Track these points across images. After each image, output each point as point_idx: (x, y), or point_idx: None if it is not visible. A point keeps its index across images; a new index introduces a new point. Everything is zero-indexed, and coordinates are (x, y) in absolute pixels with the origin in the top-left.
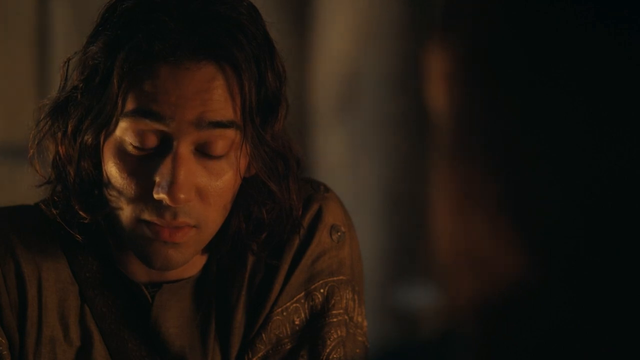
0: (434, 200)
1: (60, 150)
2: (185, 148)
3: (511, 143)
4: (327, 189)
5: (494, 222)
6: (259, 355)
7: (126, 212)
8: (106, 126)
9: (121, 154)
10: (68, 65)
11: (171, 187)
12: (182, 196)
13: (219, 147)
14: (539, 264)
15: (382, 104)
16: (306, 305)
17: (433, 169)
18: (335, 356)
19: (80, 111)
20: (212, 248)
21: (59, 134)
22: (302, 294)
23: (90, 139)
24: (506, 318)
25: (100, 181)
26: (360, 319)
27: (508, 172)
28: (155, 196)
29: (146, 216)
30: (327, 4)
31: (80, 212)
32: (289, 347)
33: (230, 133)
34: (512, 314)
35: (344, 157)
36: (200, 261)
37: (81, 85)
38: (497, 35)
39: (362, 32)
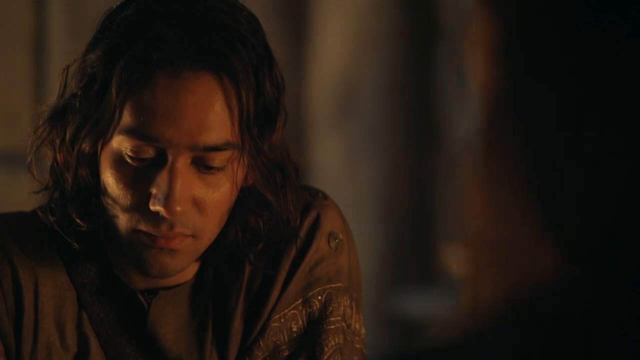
0: (464, 186)
1: (58, 157)
2: (182, 161)
3: (550, 127)
4: (325, 196)
5: (526, 211)
6: None
7: (122, 221)
8: (103, 135)
9: (118, 163)
10: (67, 73)
11: (167, 200)
12: (178, 209)
13: (217, 160)
14: (572, 261)
15: (379, 111)
16: (304, 312)
17: (466, 148)
18: None
19: (78, 119)
20: (207, 255)
21: (57, 141)
22: (300, 300)
23: (87, 147)
24: (533, 318)
25: (97, 189)
26: (358, 326)
27: (543, 157)
28: (152, 208)
29: (142, 227)
30: (324, 12)
31: (77, 220)
32: (286, 353)
33: (227, 152)
34: (540, 315)
35: (341, 165)
36: (195, 266)
37: (79, 93)
38: (541, 6)
39: (359, 40)
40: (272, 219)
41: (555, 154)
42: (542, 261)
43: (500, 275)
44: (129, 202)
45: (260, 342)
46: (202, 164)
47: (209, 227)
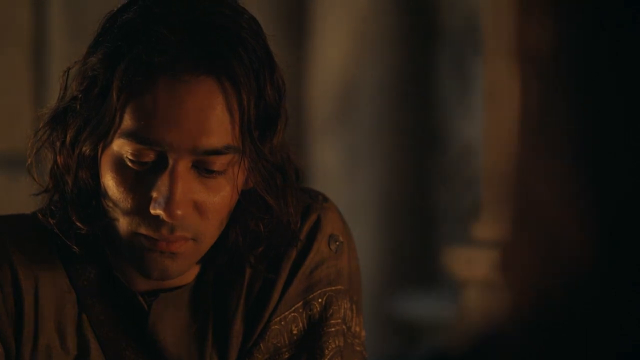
0: (504, 184)
1: (59, 160)
2: (182, 165)
3: (594, 126)
4: (325, 199)
5: (569, 187)
6: None
7: (123, 224)
8: (104, 138)
9: (118, 167)
10: (68, 75)
11: (168, 203)
12: (179, 212)
13: (217, 164)
14: (613, 244)
15: (379, 113)
16: (304, 315)
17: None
18: None
19: (79, 121)
20: (207, 257)
21: (58, 144)
22: (300, 303)
23: (88, 150)
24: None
25: (98, 192)
26: (358, 329)
27: (593, 132)
28: (152, 212)
29: (143, 230)
30: (324, 15)
31: (77, 223)
32: (286, 356)
33: (228, 156)
34: (575, 307)
35: (341, 166)
36: (195, 269)
37: (80, 95)
38: None
39: (359, 42)
40: (273, 222)
41: (600, 150)
42: (583, 262)
43: (535, 276)
44: (129, 206)
45: (261, 345)
46: (202, 168)
47: (210, 230)
